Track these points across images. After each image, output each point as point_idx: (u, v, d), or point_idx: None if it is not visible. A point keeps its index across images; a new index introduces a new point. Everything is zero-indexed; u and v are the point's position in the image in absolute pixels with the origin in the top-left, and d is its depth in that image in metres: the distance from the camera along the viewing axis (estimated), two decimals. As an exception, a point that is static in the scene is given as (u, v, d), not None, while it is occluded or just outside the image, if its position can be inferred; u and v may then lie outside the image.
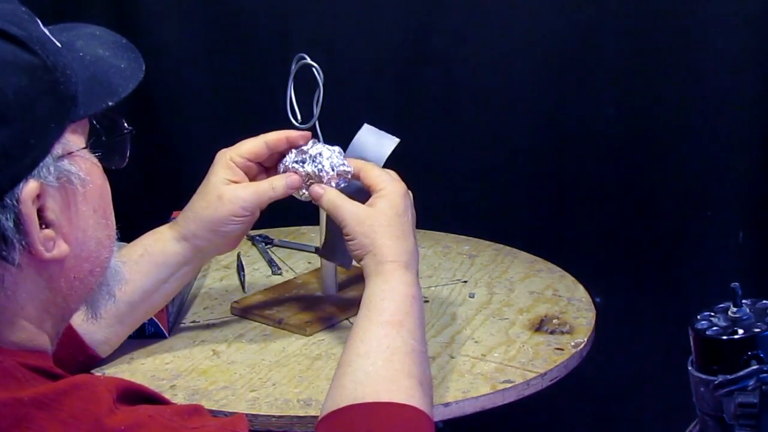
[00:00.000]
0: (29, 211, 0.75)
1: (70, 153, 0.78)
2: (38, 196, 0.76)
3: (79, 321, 0.99)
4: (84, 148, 0.81)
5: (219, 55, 1.94)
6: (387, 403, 0.95)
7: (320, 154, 1.18)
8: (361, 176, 1.16)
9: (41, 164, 0.76)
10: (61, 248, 0.79)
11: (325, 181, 1.17)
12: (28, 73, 0.74)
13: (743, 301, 0.88)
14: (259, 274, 1.52)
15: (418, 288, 1.09)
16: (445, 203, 1.96)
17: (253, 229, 1.67)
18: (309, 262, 1.56)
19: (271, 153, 1.20)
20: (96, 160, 0.82)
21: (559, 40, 1.84)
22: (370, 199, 1.13)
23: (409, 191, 1.16)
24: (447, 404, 1.12)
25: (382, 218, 1.10)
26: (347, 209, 1.12)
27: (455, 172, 1.95)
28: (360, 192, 1.16)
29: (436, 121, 1.93)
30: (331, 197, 1.15)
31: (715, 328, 0.87)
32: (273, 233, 1.68)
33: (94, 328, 1.14)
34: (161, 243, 1.19)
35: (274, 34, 1.90)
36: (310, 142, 1.20)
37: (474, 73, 1.90)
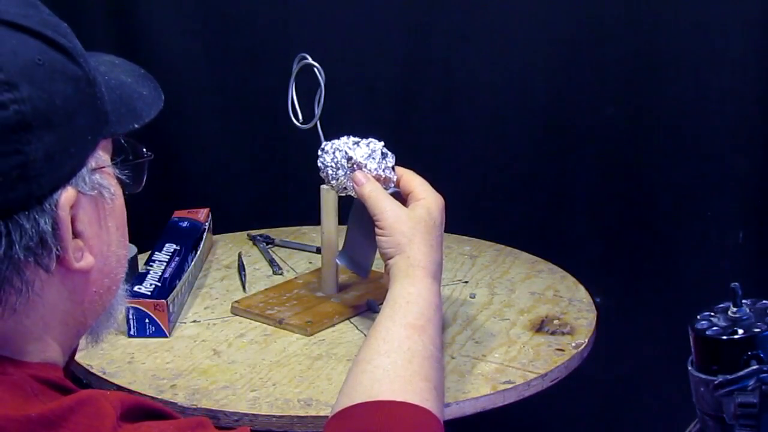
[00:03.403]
0: (66, 218, 0.76)
1: (101, 167, 0.80)
2: (72, 205, 0.77)
3: None
4: (113, 164, 0.83)
5: (220, 56, 1.94)
6: (401, 402, 0.95)
7: (377, 150, 1.20)
8: (401, 182, 1.19)
9: (78, 174, 0.77)
10: (88, 260, 0.80)
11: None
12: (73, 83, 0.76)
13: (743, 301, 0.88)
14: (260, 273, 1.52)
15: (441, 299, 1.11)
16: (445, 204, 1.95)
17: (254, 228, 1.69)
18: (310, 262, 1.57)
19: None
20: (119, 179, 0.84)
21: (559, 40, 1.84)
22: (411, 205, 1.15)
23: None
24: (447, 405, 1.12)
25: (422, 224, 1.13)
26: (387, 205, 1.15)
27: (455, 173, 1.95)
28: (396, 198, 1.17)
29: (436, 121, 1.93)
30: (372, 189, 1.17)
31: (715, 328, 0.87)
32: (274, 233, 1.68)
33: None
34: None
35: (275, 34, 1.90)
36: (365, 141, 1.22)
37: (474, 72, 1.90)
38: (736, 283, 0.88)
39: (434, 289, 1.10)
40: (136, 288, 1.30)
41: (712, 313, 0.89)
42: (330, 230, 1.36)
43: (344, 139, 1.23)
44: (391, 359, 0.99)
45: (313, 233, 1.66)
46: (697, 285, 1.82)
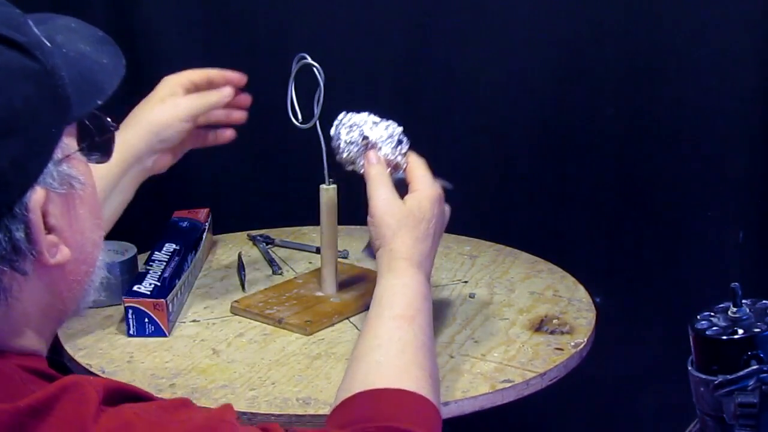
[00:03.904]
0: (37, 219, 0.75)
1: (67, 156, 0.78)
2: (42, 204, 0.75)
3: None
4: (79, 150, 0.80)
5: (220, 56, 1.93)
6: (397, 390, 0.95)
7: (394, 135, 1.21)
8: (407, 170, 1.20)
9: (45, 171, 0.75)
10: (64, 253, 0.79)
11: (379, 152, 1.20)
12: (32, 80, 0.74)
13: (743, 301, 0.88)
14: (259, 273, 1.52)
15: (429, 289, 1.11)
16: (444, 203, 1.95)
17: (254, 228, 1.69)
18: (309, 262, 1.56)
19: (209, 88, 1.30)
20: (87, 161, 0.82)
21: (559, 39, 1.84)
22: (406, 197, 1.16)
23: (446, 204, 1.20)
24: (446, 404, 1.12)
25: (410, 217, 1.13)
26: (382, 194, 1.15)
27: (455, 173, 1.94)
28: (401, 184, 1.19)
29: (436, 121, 1.93)
30: (377, 173, 1.18)
31: (715, 328, 0.87)
32: (274, 233, 1.68)
33: None
34: None
35: (275, 34, 1.90)
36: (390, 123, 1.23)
37: (474, 72, 1.89)
38: (736, 283, 0.88)
39: (420, 279, 1.10)
40: (135, 287, 1.30)
41: (712, 313, 0.89)
42: (330, 230, 1.36)
43: (364, 115, 1.23)
44: (384, 351, 1.00)
45: (313, 233, 1.66)
46: (697, 285, 1.82)
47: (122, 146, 1.21)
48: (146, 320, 1.27)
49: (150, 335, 1.28)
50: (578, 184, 1.92)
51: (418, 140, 1.91)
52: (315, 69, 1.29)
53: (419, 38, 1.90)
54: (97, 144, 0.83)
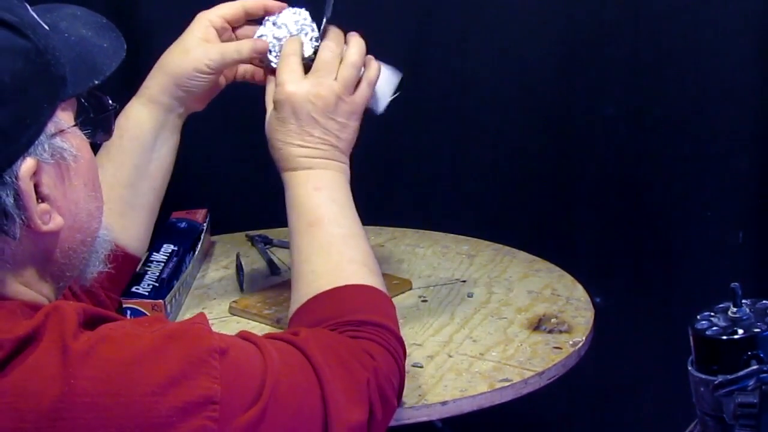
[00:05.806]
0: (27, 187, 0.79)
1: (61, 131, 0.82)
2: (34, 173, 0.80)
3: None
4: (74, 125, 0.85)
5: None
6: (343, 286, 1.03)
7: (294, 32, 1.21)
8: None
9: (36, 142, 0.80)
10: (57, 221, 0.83)
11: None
12: (22, 56, 0.78)
13: (743, 301, 0.88)
14: (258, 274, 1.52)
15: (318, 179, 1.11)
16: (444, 203, 1.95)
17: (252, 229, 1.68)
18: (308, 262, 1.56)
19: (248, 20, 1.25)
20: (84, 136, 0.87)
21: (559, 38, 1.84)
22: None
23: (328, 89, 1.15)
24: (444, 403, 1.12)
25: (270, 129, 1.16)
26: (268, 114, 1.17)
27: (455, 172, 1.95)
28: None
29: (435, 121, 1.93)
30: (270, 91, 1.19)
31: (715, 328, 0.87)
32: (272, 233, 1.67)
33: (118, 233, 1.15)
34: (131, 116, 1.21)
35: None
36: (291, 16, 1.23)
37: (473, 73, 1.89)
38: (736, 283, 0.88)
39: (299, 180, 1.11)
40: (133, 288, 1.29)
41: (712, 313, 0.89)
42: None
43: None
44: (312, 262, 1.06)
45: (312, 233, 1.65)
46: (697, 285, 1.82)
47: (146, 95, 1.21)
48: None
49: (148, 335, 1.27)
50: (577, 183, 1.92)
51: (417, 140, 1.91)
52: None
53: (419, 38, 1.90)
54: (95, 121, 0.88)
